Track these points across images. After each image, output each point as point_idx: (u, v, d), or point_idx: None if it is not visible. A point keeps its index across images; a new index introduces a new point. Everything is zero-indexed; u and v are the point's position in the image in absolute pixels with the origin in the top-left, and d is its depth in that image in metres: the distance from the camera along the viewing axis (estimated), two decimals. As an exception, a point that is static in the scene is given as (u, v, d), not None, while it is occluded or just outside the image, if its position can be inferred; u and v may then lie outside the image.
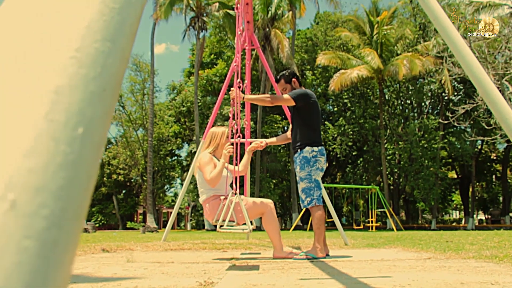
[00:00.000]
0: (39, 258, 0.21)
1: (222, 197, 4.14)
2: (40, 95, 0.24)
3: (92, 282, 2.72)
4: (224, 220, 3.78)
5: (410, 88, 29.06)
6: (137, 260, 4.40)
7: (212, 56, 33.35)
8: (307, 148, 4.23)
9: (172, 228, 34.21)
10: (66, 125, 0.23)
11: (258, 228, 21.27)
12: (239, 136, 4.18)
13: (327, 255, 4.22)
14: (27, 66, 0.24)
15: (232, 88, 4.20)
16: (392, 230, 20.47)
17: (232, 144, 4.21)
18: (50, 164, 0.22)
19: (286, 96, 4.27)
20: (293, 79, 4.53)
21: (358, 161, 30.12)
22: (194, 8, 28.31)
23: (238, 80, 3.95)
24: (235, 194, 3.86)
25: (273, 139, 4.79)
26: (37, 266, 0.21)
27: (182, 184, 39.35)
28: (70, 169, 0.23)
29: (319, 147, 4.27)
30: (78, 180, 0.23)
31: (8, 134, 0.22)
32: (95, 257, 4.96)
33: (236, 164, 4.13)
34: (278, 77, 4.62)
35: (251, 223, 3.87)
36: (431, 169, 26.37)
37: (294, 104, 4.25)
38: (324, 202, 6.21)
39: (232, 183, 3.94)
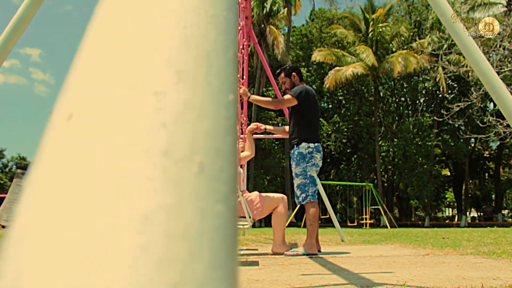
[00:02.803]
0: (230, 223, 0.21)
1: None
2: (196, 59, 0.23)
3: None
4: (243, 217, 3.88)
5: (405, 85, 29.17)
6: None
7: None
8: (303, 144, 4.24)
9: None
10: (221, 90, 0.23)
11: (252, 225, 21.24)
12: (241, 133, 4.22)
13: (319, 251, 4.24)
14: (172, 29, 0.24)
15: (240, 85, 4.29)
16: (386, 227, 20.57)
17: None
18: (219, 128, 0.22)
19: (287, 97, 4.28)
20: (293, 73, 4.54)
21: (352, 158, 30.20)
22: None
23: (238, 75, 3.95)
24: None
25: (271, 127, 4.84)
26: (230, 231, 0.21)
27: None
28: (232, 133, 0.23)
29: (316, 144, 4.28)
30: (235, 146, 0.23)
31: (176, 93, 0.22)
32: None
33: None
34: (279, 70, 4.65)
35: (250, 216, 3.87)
36: (425, 166, 26.50)
37: (297, 103, 4.27)
38: (320, 198, 6.20)
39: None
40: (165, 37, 0.24)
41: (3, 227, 11.19)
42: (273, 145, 29.32)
